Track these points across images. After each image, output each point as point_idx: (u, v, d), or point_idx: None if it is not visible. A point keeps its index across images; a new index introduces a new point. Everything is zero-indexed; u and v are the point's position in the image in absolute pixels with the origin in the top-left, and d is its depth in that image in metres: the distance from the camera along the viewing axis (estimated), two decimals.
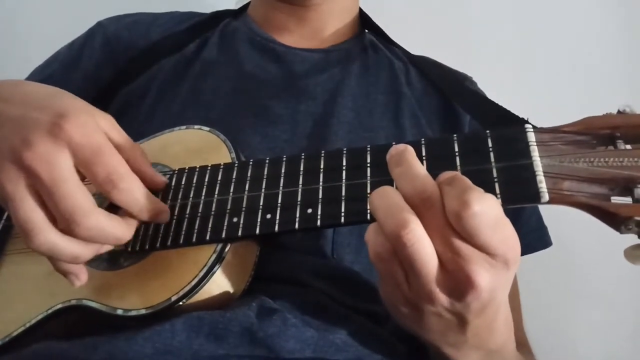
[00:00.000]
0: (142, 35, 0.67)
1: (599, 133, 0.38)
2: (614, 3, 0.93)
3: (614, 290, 0.88)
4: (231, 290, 0.44)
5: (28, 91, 0.42)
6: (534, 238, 0.65)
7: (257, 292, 0.45)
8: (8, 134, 0.38)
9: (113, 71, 0.64)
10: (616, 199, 0.36)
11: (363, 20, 0.74)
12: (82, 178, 0.39)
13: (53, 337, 0.41)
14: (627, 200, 0.36)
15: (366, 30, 0.73)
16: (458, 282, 0.34)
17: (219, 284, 0.43)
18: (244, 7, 0.75)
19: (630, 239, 0.37)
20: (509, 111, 0.55)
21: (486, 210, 0.32)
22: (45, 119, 0.38)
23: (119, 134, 0.43)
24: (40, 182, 0.37)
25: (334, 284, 0.49)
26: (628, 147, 0.37)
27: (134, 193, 0.40)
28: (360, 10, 0.74)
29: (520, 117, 0.51)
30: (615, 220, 0.35)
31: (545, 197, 0.35)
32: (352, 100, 0.61)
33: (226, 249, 0.42)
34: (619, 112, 0.39)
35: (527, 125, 0.38)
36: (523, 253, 0.69)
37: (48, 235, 0.38)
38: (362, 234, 0.53)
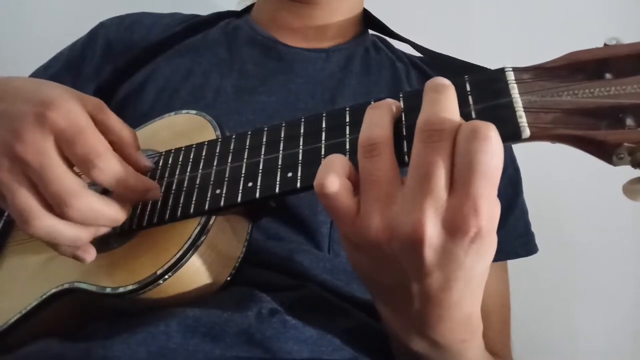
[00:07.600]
0: (143, 36, 0.68)
1: (585, 67, 0.36)
2: None
3: (616, 287, 0.84)
4: (219, 268, 0.43)
5: (16, 86, 0.43)
6: (519, 244, 0.63)
7: (251, 279, 0.44)
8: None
9: (113, 71, 0.66)
10: None
11: (367, 19, 0.74)
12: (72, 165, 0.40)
13: (52, 334, 0.41)
14: None
15: (369, 31, 0.73)
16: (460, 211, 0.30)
17: (206, 258, 0.42)
18: (247, 10, 0.76)
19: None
20: None
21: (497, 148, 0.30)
22: (31, 109, 0.39)
23: (107, 116, 0.43)
24: (31, 170, 0.38)
25: (331, 277, 0.48)
26: None
27: (114, 172, 0.39)
28: (365, 10, 0.74)
29: None
30: (605, 149, 0.32)
31: (526, 132, 0.33)
32: (353, 100, 0.61)
33: (210, 222, 0.42)
34: (605, 45, 0.37)
35: (506, 66, 0.37)
36: (505, 258, 0.66)
37: (44, 220, 0.38)
38: None
